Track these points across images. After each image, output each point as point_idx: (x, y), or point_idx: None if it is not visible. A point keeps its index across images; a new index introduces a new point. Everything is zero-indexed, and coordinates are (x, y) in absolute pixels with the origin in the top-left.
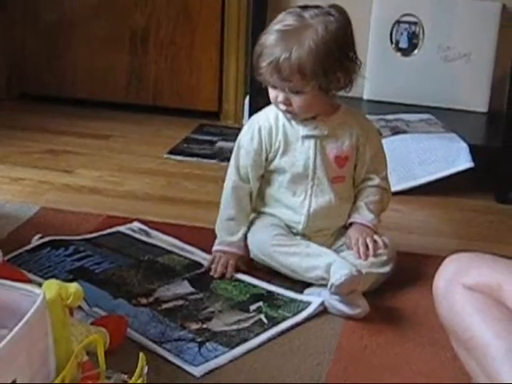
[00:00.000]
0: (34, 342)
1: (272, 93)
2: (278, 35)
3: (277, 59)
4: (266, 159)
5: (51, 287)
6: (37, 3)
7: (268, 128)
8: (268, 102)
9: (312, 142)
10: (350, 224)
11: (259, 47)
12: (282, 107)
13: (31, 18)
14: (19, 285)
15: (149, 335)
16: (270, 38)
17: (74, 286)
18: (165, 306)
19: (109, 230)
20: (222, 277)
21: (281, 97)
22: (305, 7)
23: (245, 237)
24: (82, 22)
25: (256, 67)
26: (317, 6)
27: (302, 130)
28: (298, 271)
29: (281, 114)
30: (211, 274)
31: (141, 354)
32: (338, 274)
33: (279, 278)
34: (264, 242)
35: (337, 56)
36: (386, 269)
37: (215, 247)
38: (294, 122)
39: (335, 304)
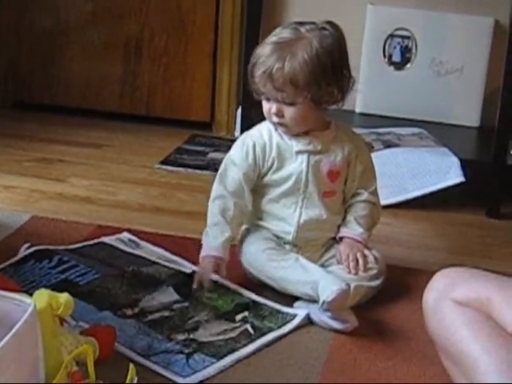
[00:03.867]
0: (24, 352)
1: (265, 105)
2: (272, 46)
3: (270, 69)
4: (258, 175)
5: (42, 297)
6: (31, 12)
7: (262, 145)
8: (260, 114)
9: (305, 156)
10: (341, 238)
11: (254, 58)
12: (275, 119)
13: (25, 26)
14: (9, 294)
15: (136, 348)
16: (264, 49)
17: (64, 296)
18: (150, 317)
19: (93, 241)
20: (210, 284)
21: (274, 108)
22: (301, 23)
23: (229, 243)
24: (77, 31)
25: (250, 77)
26: (312, 22)
27: (296, 146)
28: (286, 285)
29: (274, 131)
30: (195, 283)
31: (131, 365)
32: (329, 290)
33: (269, 291)
34: (255, 256)
35: (330, 70)
36: (376, 282)
37: (201, 254)
38: (287, 139)
39: (324, 319)
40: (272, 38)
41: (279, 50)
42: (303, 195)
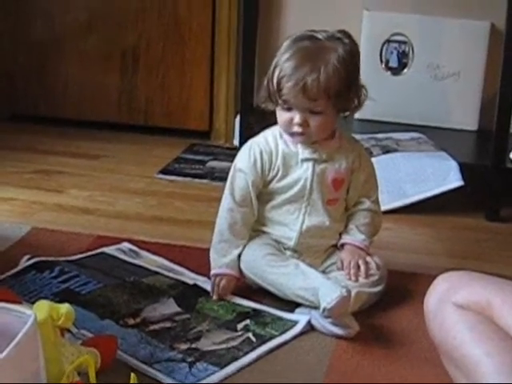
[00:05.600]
0: (25, 363)
1: (284, 115)
2: (300, 57)
3: (305, 80)
4: (264, 182)
5: (42, 308)
6: (27, 22)
7: (269, 152)
8: (259, 122)
9: (310, 164)
10: (342, 245)
11: (280, 71)
12: (298, 129)
13: (21, 37)
14: (10, 306)
15: (138, 356)
16: (291, 60)
17: (65, 307)
18: (152, 327)
19: (93, 252)
20: (221, 299)
21: (298, 118)
22: (313, 31)
23: (238, 259)
24: (73, 40)
25: (275, 89)
26: (325, 31)
27: (302, 154)
28: (286, 292)
29: (279, 139)
30: (214, 297)
31: (132, 374)
32: (329, 298)
33: (270, 298)
34: (254, 262)
35: (353, 77)
36: (378, 288)
37: (212, 271)
38: (292, 146)
39: (325, 325)
40: (292, 48)
41: (310, 60)
42: (307, 202)
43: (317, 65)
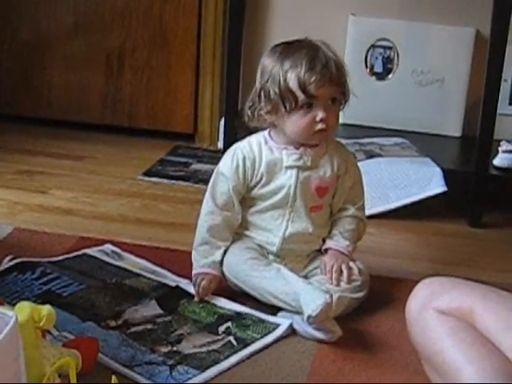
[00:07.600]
0: (6, 364)
1: (304, 119)
2: (305, 52)
3: (329, 67)
4: (246, 188)
5: (24, 310)
6: (12, 23)
7: (252, 158)
8: (243, 125)
9: (294, 171)
10: (326, 250)
11: (296, 72)
12: (322, 125)
13: (7, 38)
14: None
15: (119, 359)
16: (300, 58)
17: (46, 309)
18: (133, 329)
19: (76, 253)
20: (203, 300)
21: (322, 113)
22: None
23: (221, 260)
24: (58, 43)
25: (293, 93)
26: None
27: (287, 161)
28: (268, 296)
29: (264, 145)
30: (195, 299)
31: (113, 377)
32: (314, 305)
33: (253, 301)
34: (237, 266)
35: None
36: (360, 294)
37: (193, 271)
38: (276, 153)
39: (307, 329)
40: (285, 52)
41: (315, 51)
42: (291, 209)
43: (324, 53)
